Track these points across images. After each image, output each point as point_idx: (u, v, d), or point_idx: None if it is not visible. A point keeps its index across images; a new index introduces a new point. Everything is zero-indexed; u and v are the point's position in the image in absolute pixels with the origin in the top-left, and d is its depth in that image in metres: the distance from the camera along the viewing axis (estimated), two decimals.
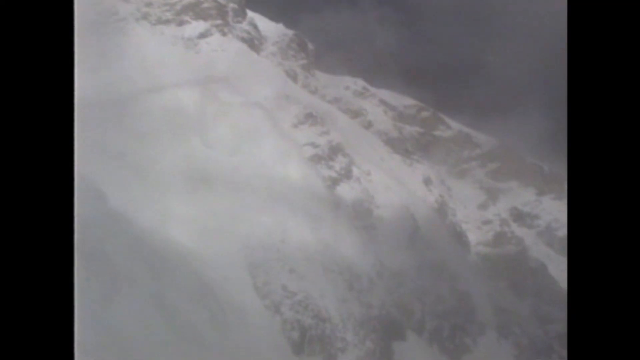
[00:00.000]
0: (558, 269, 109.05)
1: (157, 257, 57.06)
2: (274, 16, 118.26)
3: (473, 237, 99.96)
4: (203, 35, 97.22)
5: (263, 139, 77.24)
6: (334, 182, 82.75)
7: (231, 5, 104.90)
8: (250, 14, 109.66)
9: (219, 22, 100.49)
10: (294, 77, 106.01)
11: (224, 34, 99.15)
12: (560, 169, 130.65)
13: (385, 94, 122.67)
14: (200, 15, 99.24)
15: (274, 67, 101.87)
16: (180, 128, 74.22)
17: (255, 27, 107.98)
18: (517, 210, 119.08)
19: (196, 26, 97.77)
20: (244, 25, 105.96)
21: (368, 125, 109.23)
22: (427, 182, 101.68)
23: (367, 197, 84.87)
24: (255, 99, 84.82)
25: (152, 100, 72.84)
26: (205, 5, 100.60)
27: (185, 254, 60.67)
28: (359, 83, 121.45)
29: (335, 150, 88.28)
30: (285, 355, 62.11)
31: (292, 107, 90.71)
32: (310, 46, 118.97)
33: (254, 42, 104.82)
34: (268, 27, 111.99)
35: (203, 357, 52.46)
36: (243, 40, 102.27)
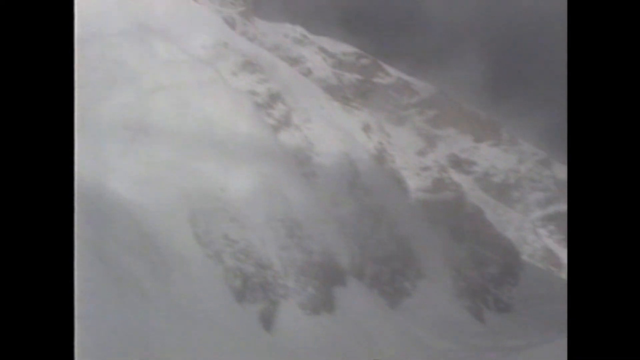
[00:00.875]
0: (494, 214, 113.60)
1: (96, 208, 57.38)
2: None
3: (412, 183, 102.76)
4: None
5: (202, 87, 77.68)
6: (274, 130, 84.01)
7: None
8: None
9: None
10: (232, 25, 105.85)
11: None
12: (497, 116, 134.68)
13: (325, 41, 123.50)
14: None
15: (211, 14, 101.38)
16: (116, 77, 73.96)
17: None
18: (455, 157, 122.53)
19: None
20: None
21: (307, 73, 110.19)
22: (366, 129, 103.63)
23: (306, 144, 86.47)
24: (193, 46, 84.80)
25: (88, 49, 72.28)
26: None
27: (125, 204, 61.20)
28: (298, 30, 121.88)
29: (274, 98, 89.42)
30: (228, 303, 63.40)
31: (230, 55, 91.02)
32: None
33: None
34: None
35: (144, 308, 53.19)
36: None
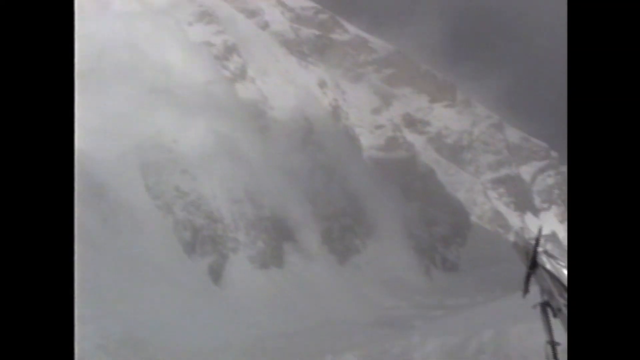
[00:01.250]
0: (446, 174, 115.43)
1: None
2: None
3: (365, 141, 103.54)
4: None
5: (157, 38, 76.77)
6: (229, 82, 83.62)
7: None
8: None
9: None
10: None
11: None
12: (453, 78, 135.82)
13: None
14: None
15: None
16: None
17: None
18: (409, 116, 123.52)
19: None
20: None
21: (264, 26, 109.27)
22: (322, 85, 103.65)
23: (261, 98, 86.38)
24: None
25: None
26: None
27: (76, 154, 60.56)
28: None
29: (230, 50, 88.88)
30: (177, 255, 63.63)
31: (187, 5, 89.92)
32: None
33: None
34: None
35: (94, 258, 53.04)
36: None
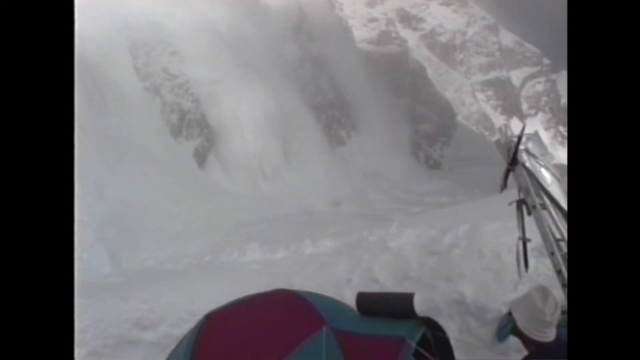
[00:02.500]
0: (436, 73, 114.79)
1: None
2: None
3: (358, 33, 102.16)
4: None
5: None
6: None
7: None
8: None
9: None
10: None
11: None
12: None
13: None
14: None
15: None
16: None
17: None
18: (404, 12, 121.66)
19: None
20: None
21: None
22: None
23: None
24: None
25: None
26: None
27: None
28: None
29: None
30: (164, 137, 63.47)
31: None
32: None
33: None
34: None
35: (79, 138, 52.99)
36: None
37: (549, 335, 4.36)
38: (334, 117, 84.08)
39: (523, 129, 5.35)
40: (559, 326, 4.47)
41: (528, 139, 5.35)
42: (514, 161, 5.22)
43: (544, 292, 4.45)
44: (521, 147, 5.27)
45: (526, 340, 4.46)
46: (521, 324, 4.41)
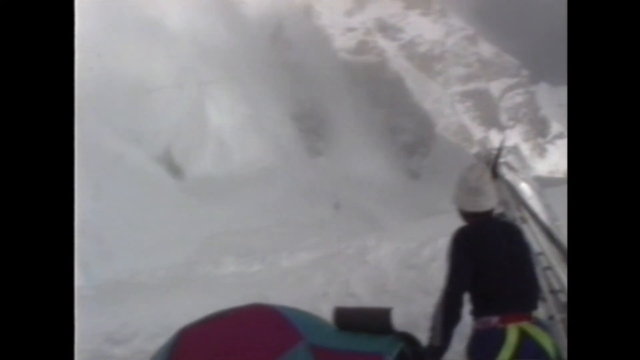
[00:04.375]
0: (415, 83, 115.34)
1: None
2: None
3: (336, 43, 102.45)
4: None
5: None
6: None
7: None
8: None
9: None
10: None
11: None
12: None
13: None
14: None
15: None
16: None
17: None
18: (382, 21, 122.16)
19: None
20: None
21: None
22: None
23: None
24: None
25: None
26: None
27: None
28: None
29: None
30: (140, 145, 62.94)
31: None
32: None
33: None
34: None
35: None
36: None
37: (481, 204, 4.40)
38: (311, 127, 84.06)
39: (503, 141, 5.38)
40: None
41: (508, 152, 5.38)
42: (494, 174, 5.25)
43: (472, 164, 4.54)
44: (501, 160, 5.29)
45: (464, 215, 4.51)
46: (454, 199, 4.49)
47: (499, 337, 4.02)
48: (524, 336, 4.03)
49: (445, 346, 4.17)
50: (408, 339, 4.97)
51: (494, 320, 4.09)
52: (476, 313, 4.23)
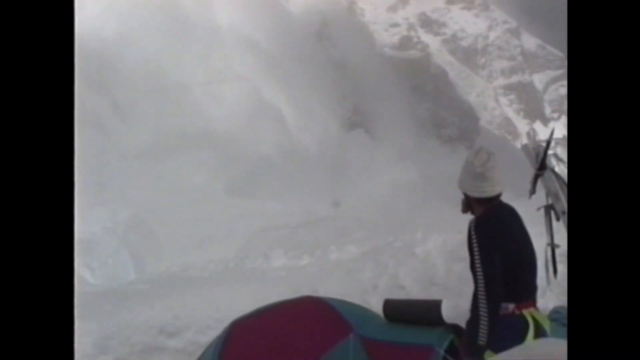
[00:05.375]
0: (458, 77, 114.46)
1: None
2: None
3: (379, 38, 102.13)
4: None
5: None
6: None
7: None
8: None
9: None
10: None
11: None
12: None
13: None
14: None
15: None
16: None
17: None
18: (425, 16, 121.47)
19: None
20: None
21: None
22: None
23: None
24: None
25: None
26: None
27: None
28: None
29: None
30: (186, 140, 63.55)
31: None
32: None
33: None
34: None
35: (103, 144, 53.05)
36: None
37: (487, 189, 4.34)
38: (356, 122, 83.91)
39: (552, 133, 5.30)
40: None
41: (557, 143, 5.29)
42: (542, 166, 5.16)
43: (478, 148, 4.47)
44: (550, 152, 5.21)
45: (471, 203, 4.45)
46: (459, 183, 4.43)
47: (521, 322, 4.11)
48: (535, 321, 4.15)
49: (490, 343, 4.16)
50: (458, 331, 4.93)
51: (511, 306, 4.14)
52: None
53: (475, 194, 4.39)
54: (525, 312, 4.15)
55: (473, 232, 4.27)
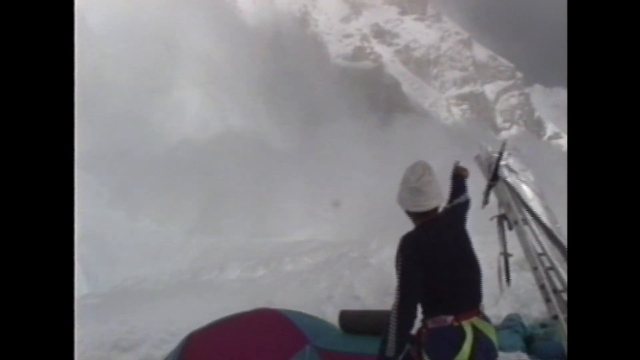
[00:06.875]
0: (411, 87, 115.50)
1: None
2: None
3: (333, 49, 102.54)
4: None
5: None
6: None
7: None
8: None
9: None
10: None
11: None
12: None
13: None
14: None
15: None
16: None
17: None
18: (378, 27, 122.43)
19: None
20: None
21: None
22: None
23: (230, 0, 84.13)
24: None
25: None
26: None
27: None
28: None
29: None
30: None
31: None
32: None
33: None
34: None
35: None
36: None
37: (423, 203, 4.35)
38: (310, 133, 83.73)
39: (504, 144, 5.36)
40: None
41: (509, 154, 5.36)
42: (495, 177, 5.23)
43: (415, 163, 4.49)
44: (502, 162, 5.28)
45: (408, 214, 4.47)
46: (398, 199, 4.44)
47: (458, 334, 4.10)
48: (476, 331, 4.10)
49: (397, 357, 4.17)
50: (413, 341, 4.97)
51: (449, 318, 4.15)
52: (429, 313, 4.25)
53: (411, 208, 4.39)
54: (465, 323, 4.13)
55: (398, 249, 4.29)
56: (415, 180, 4.34)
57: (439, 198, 4.42)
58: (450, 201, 4.76)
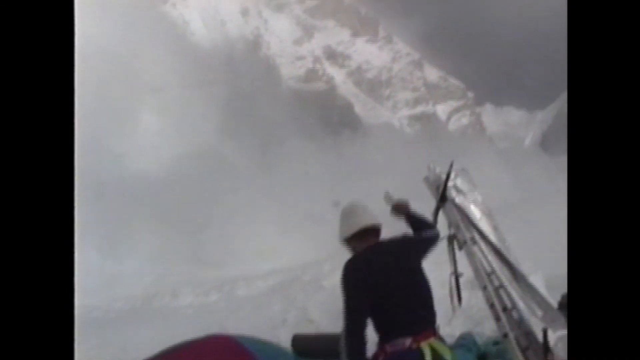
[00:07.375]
0: (364, 108, 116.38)
1: None
2: None
3: (285, 71, 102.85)
4: None
5: None
6: (150, 5, 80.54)
7: None
8: None
9: None
10: None
11: None
12: (375, 13, 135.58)
13: None
14: None
15: None
16: None
17: None
18: (330, 49, 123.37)
19: None
20: None
21: None
22: (244, 13, 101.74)
23: (182, 22, 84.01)
24: None
25: None
26: None
27: None
28: None
29: None
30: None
31: None
32: None
33: None
34: None
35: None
36: None
37: (355, 222, 4.32)
38: (263, 153, 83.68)
39: (451, 165, 5.39)
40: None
41: (456, 175, 5.38)
42: (443, 198, 5.26)
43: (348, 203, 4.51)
44: (450, 183, 5.31)
45: (350, 246, 4.46)
46: (339, 238, 4.43)
47: (417, 356, 4.05)
48: (434, 352, 4.09)
49: None
50: None
51: (408, 341, 4.10)
52: (385, 336, 4.22)
53: (348, 233, 4.37)
54: (424, 344, 4.10)
55: (342, 275, 4.26)
56: (347, 209, 4.36)
57: (372, 219, 4.39)
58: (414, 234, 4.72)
